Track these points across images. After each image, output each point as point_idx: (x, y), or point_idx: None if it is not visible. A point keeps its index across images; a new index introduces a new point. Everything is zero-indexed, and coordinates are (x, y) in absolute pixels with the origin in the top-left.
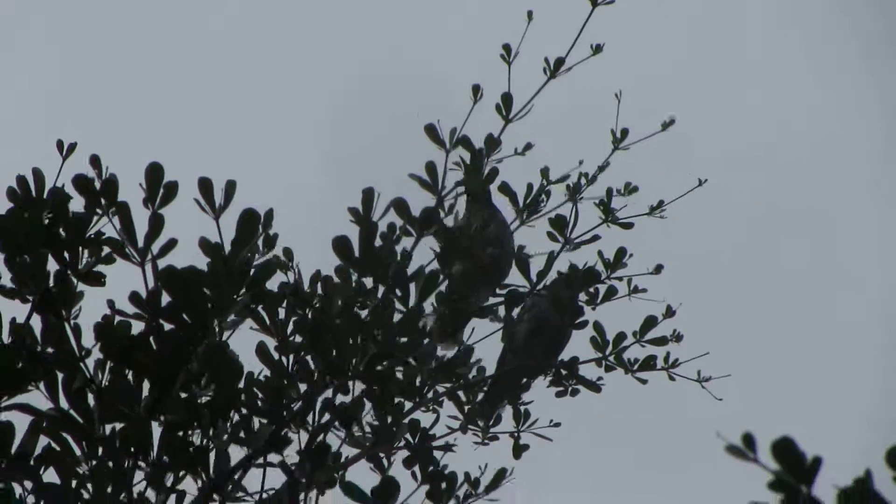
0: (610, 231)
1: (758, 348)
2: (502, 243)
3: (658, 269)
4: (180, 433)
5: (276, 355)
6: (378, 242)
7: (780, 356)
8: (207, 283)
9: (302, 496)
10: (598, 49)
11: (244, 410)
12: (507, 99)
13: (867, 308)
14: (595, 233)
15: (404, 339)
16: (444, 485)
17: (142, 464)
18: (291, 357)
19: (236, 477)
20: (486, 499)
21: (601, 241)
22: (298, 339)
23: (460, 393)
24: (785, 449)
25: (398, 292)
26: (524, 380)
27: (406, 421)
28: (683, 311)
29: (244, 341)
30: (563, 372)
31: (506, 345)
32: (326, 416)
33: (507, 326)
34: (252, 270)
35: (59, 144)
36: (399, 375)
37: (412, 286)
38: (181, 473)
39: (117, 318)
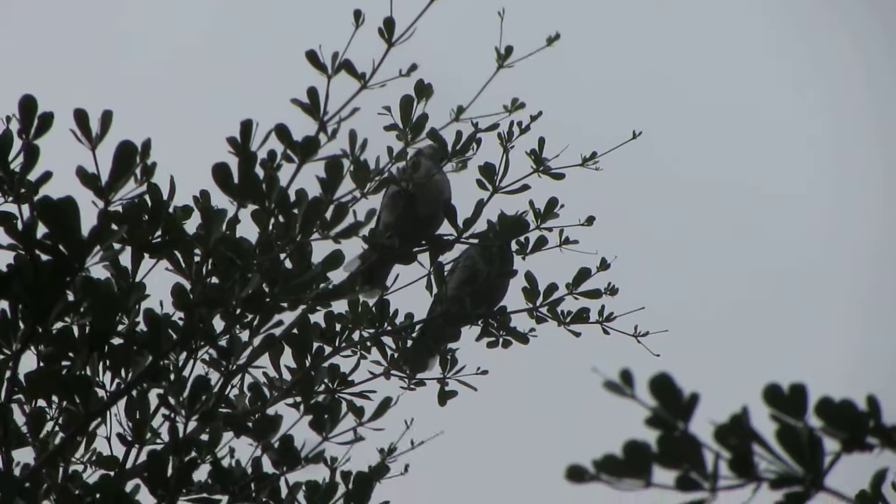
0: (542, 181)
1: (695, 306)
2: (442, 191)
3: (590, 220)
4: (56, 364)
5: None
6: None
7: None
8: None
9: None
10: None
11: (121, 341)
12: (388, 23)
13: (806, 262)
14: (525, 182)
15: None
16: (326, 415)
17: (19, 397)
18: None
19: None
20: (368, 427)
21: (533, 191)
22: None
23: (384, 339)
24: (662, 386)
25: (281, 219)
26: (452, 329)
27: (326, 365)
28: (618, 265)
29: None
30: (493, 322)
31: (435, 293)
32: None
33: (434, 274)
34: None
35: None
36: (284, 305)
37: (295, 211)
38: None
39: None
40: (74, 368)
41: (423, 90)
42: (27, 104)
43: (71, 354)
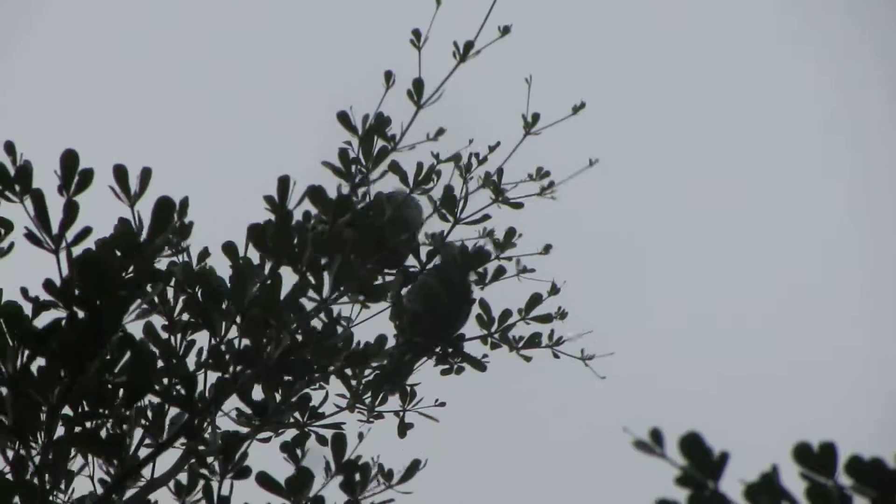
0: (500, 210)
1: (644, 325)
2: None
3: (547, 249)
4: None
5: (163, 335)
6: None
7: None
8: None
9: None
10: (505, 31)
11: (157, 399)
12: (418, 84)
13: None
14: (486, 212)
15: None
16: (357, 476)
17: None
18: (180, 336)
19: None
20: (397, 490)
21: (492, 220)
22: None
23: (348, 371)
24: (692, 444)
25: (312, 280)
26: (413, 358)
27: (294, 399)
28: (568, 288)
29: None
30: (449, 349)
31: (396, 324)
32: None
33: (396, 303)
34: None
35: None
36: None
37: (326, 274)
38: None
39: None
40: (111, 426)
41: (383, 122)
42: (68, 160)
43: (107, 412)
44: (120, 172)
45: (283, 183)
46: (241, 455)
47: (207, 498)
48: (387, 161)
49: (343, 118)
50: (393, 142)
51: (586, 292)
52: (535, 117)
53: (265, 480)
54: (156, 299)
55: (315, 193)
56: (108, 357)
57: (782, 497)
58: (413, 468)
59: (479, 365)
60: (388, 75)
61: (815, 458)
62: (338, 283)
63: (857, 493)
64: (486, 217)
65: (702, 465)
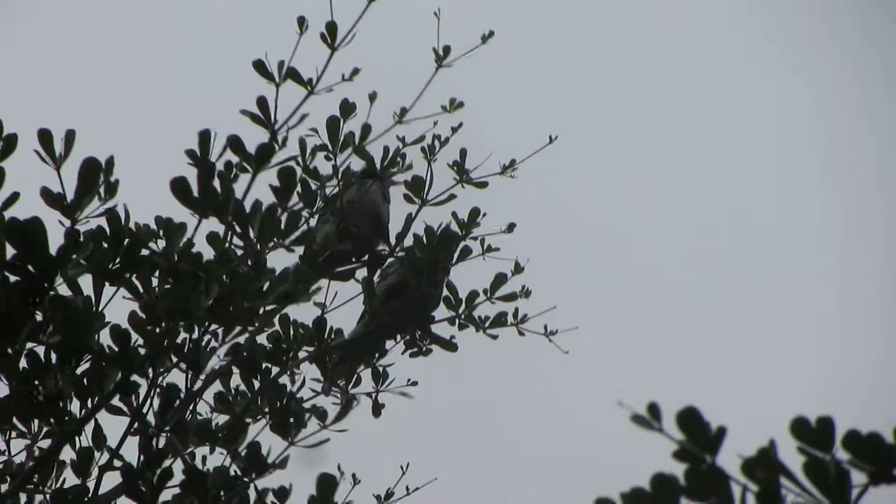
0: (464, 191)
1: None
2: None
3: (511, 227)
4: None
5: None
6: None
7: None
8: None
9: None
10: None
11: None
12: (331, 27)
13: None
14: (450, 193)
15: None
16: (291, 419)
17: None
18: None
19: None
20: (332, 429)
21: (456, 201)
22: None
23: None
24: (689, 419)
25: (238, 230)
26: (382, 341)
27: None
28: (531, 266)
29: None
30: (418, 332)
31: (366, 307)
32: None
33: (367, 289)
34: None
35: None
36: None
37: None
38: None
39: None
40: (47, 389)
41: (348, 109)
42: None
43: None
44: (44, 136)
45: (204, 136)
46: (179, 406)
47: (146, 451)
48: (303, 108)
49: (259, 66)
50: (309, 86)
51: (550, 267)
52: (446, 50)
53: (201, 430)
54: (139, 288)
55: (235, 143)
56: (42, 319)
57: (780, 472)
58: (346, 407)
59: (450, 346)
60: (301, 21)
61: (813, 433)
62: (263, 231)
63: (855, 467)
64: (453, 197)
65: (699, 439)
